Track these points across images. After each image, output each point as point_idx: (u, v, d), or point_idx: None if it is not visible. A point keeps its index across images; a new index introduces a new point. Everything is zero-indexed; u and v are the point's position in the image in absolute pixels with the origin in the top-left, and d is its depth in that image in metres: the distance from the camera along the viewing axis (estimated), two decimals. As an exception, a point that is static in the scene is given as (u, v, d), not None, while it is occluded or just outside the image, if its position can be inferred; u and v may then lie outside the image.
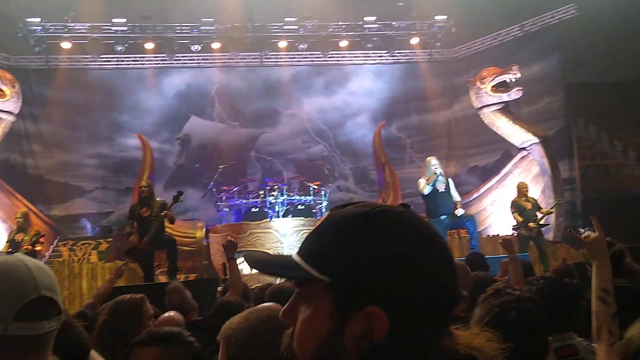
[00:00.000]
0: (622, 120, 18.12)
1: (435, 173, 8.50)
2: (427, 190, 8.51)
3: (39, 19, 13.57)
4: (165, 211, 7.88)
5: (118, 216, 13.58)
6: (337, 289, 0.80)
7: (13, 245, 8.97)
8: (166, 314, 3.02)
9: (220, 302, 3.34)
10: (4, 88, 12.97)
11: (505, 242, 4.90)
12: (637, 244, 7.23)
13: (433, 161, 8.76)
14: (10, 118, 13.26)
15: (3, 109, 13.02)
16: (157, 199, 8.30)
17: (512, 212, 9.64)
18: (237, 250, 4.16)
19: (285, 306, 0.88)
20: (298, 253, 0.86)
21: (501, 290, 1.91)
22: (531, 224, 9.28)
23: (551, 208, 9.87)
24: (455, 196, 8.71)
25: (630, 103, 18.51)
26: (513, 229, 9.81)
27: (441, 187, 8.53)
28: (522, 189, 9.81)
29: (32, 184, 13.81)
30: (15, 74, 13.46)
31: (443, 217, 8.49)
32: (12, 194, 12.90)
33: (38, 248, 9.15)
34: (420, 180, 8.70)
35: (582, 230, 10.60)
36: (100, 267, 10.24)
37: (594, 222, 2.38)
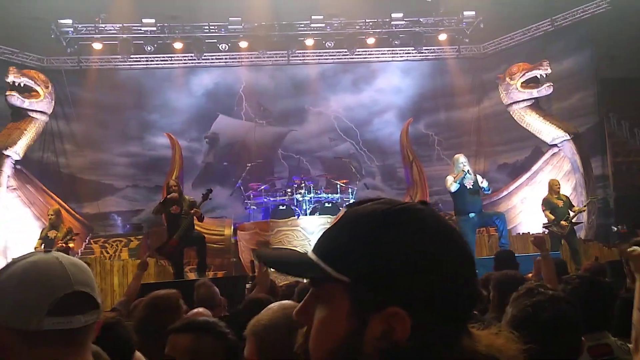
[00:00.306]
0: (656, 115, 17.67)
1: (464, 170, 8.39)
2: (454, 187, 8.40)
3: (70, 21, 13.83)
4: (194, 209, 7.97)
5: (148, 214, 13.75)
6: (357, 288, 0.78)
7: (46, 242, 9.17)
8: (194, 310, 3.06)
9: (249, 298, 3.36)
10: (38, 89, 13.29)
11: (537, 239, 4.83)
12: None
13: (461, 158, 8.62)
14: (44, 118, 13.58)
15: (37, 109, 13.35)
16: (187, 197, 8.41)
17: (544, 210, 9.48)
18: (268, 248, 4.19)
19: (300, 305, 0.86)
20: (314, 251, 0.84)
21: (534, 289, 1.88)
22: (563, 222, 9.11)
23: (584, 206, 9.71)
24: (484, 184, 8.57)
25: (665, 98, 18.03)
26: (544, 227, 9.65)
27: (469, 184, 8.41)
28: (553, 186, 9.63)
29: (64, 182, 14.11)
30: (48, 75, 13.78)
31: (472, 215, 8.39)
32: (45, 192, 13.21)
33: (71, 245, 9.35)
34: (448, 177, 8.58)
35: (614, 228, 10.36)
36: (130, 264, 10.40)
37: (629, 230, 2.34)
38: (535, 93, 12.25)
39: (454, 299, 0.79)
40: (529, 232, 11.61)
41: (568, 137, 12.44)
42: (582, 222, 9.63)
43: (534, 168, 13.13)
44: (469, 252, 0.83)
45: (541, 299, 1.86)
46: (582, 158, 12.24)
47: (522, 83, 12.36)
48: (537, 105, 12.59)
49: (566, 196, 9.76)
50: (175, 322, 2.53)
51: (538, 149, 13.76)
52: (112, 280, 10.09)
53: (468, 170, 8.41)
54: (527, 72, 12.22)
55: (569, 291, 2.32)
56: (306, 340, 0.84)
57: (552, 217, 9.25)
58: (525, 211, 12.79)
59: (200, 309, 3.04)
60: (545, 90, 12.18)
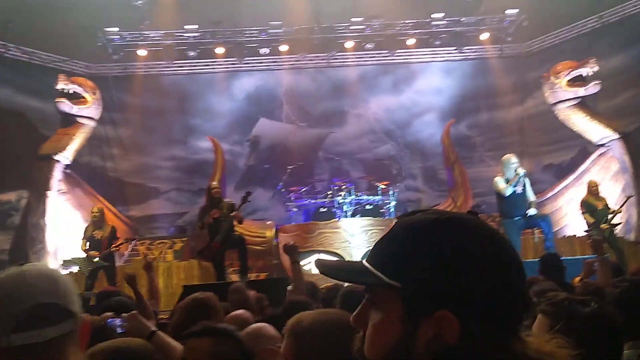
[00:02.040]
0: None
1: (518, 174, 8.09)
2: (508, 191, 8.13)
3: (116, 29, 14.22)
4: (234, 212, 8.08)
5: (192, 216, 14.01)
6: (408, 294, 0.84)
7: (92, 242, 9.31)
8: (234, 312, 3.09)
9: (289, 300, 3.39)
10: (86, 95, 13.73)
11: (595, 242, 4.77)
12: None
13: (513, 159, 8.32)
14: (92, 123, 14.01)
15: (85, 115, 13.79)
16: (226, 200, 8.53)
17: (583, 213, 9.17)
18: (304, 250, 4.21)
19: (356, 311, 0.91)
20: (367, 260, 0.90)
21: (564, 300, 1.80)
22: (603, 225, 8.83)
23: (620, 207, 9.34)
24: (531, 196, 8.32)
25: None
26: (585, 232, 9.36)
27: (519, 188, 8.17)
28: (592, 187, 9.31)
29: (112, 186, 14.50)
30: (95, 82, 14.21)
31: (517, 218, 8.18)
32: (93, 196, 13.63)
33: (119, 242, 9.53)
34: (496, 179, 8.31)
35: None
36: (175, 266, 10.65)
37: None
38: (581, 92, 11.93)
39: (502, 303, 0.83)
40: (575, 235, 11.31)
41: (616, 137, 12.06)
42: (621, 223, 9.27)
43: (581, 169, 12.79)
44: (516, 259, 0.88)
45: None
46: (631, 158, 11.84)
47: (567, 82, 12.06)
48: (583, 104, 12.26)
49: (604, 198, 9.44)
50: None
51: (585, 149, 13.38)
52: (157, 282, 10.31)
53: (522, 174, 8.14)
54: (572, 71, 11.92)
55: (617, 295, 2.26)
56: (363, 344, 0.89)
57: (592, 220, 8.98)
58: (572, 213, 12.44)
59: (240, 311, 3.08)
60: (592, 88, 11.85)
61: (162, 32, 14.34)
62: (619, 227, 9.38)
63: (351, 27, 14.67)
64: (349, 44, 14.82)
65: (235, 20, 14.49)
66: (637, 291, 2.44)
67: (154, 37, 14.45)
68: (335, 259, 9.50)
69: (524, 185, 8.25)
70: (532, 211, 8.24)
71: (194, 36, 14.49)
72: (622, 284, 2.49)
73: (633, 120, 12.90)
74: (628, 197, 9.98)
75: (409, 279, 0.83)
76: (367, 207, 12.10)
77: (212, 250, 8.07)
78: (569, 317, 1.68)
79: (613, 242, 8.82)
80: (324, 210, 12.08)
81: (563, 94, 12.04)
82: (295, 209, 12.73)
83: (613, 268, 4.76)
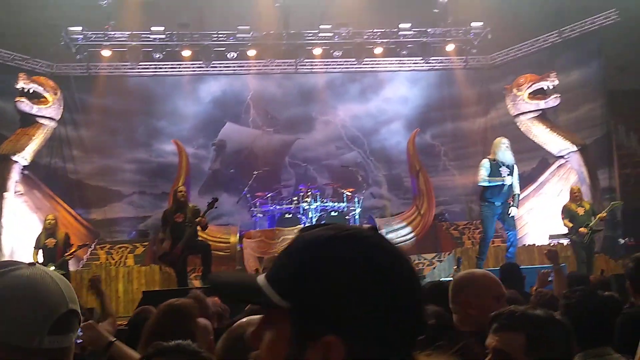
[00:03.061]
0: (665, 128, 17.59)
1: (503, 178, 8.01)
2: (482, 182, 8.13)
3: (80, 28, 13.94)
4: (200, 217, 7.98)
5: (154, 220, 13.80)
6: (296, 316, 0.79)
7: (45, 252, 9.08)
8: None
9: (251, 309, 3.36)
10: (47, 95, 13.40)
11: (551, 252, 4.82)
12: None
13: (504, 140, 8.29)
14: (52, 124, 13.69)
15: (45, 115, 13.46)
16: (190, 204, 8.42)
17: (563, 218, 9.20)
18: (269, 256, 4.16)
19: (254, 328, 0.87)
20: (266, 275, 0.85)
21: (515, 311, 1.82)
22: (582, 229, 8.85)
23: (604, 213, 9.27)
24: (516, 187, 8.27)
25: (674, 110, 17.96)
26: (565, 236, 9.44)
27: (504, 172, 8.08)
28: (574, 194, 9.35)
29: (71, 188, 14.19)
30: (57, 81, 13.90)
31: (497, 202, 8.15)
32: (52, 198, 13.30)
33: (72, 250, 9.30)
34: (484, 161, 8.25)
35: (621, 241, 10.21)
36: (136, 271, 10.46)
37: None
38: (542, 104, 12.23)
39: (393, 327, 0.79)
40: (534, 244, 11.55)
41: (575, 149, 12.40)
42: (601, 229, 9.30)
43: (541, 179, 13.10)
44: (413, 279, 0.83)
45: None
46: (589, 170, 12.19)
47: (529, 94, 12.35)
48: (544, 116, 12.58)
49: (589, 203, 9.50)
50: (190, 330, 2.51)
51: (545, 160, 13.71)
52: (117, 287, 10.13)
53: (507, 184, 8.03)
54: (534, 84, 12.21)
55: (567, 306, 2.31)
56: None
57: (570, 225, 9.01)
58: (532, 223, 12.74)
59: (200, 320, 3.03)
60: (553, 101, 12.17)
61: (128, 33, 14.12)
62: (600, 233, 9.39)
63: (319, 34, 14.72)
64: (317, 51, 14.87)
65: (203, 23, 14.40)
66: (587, 301, 2.50)
67: (119, 37, 14.23)
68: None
69: (511, 173, 8.15)
70: (513, 211, 8.22)
71: (160, 38, 14.32)
72: (573, 295, 2.55)
73: (590, 133, 13.31)
74: (614, 204, 9.93)
75: (298, 300, 0.79)
76: (333, 213, 12.15)
77: (174, 256, 7.96)
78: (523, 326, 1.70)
79: (589, 249, 8.91)
80: (289, 216, 12.07)
81: (525, 106, 12.32)
82: (260, 215, 12.68)
83: (576, 277, 4.86)
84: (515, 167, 8.33)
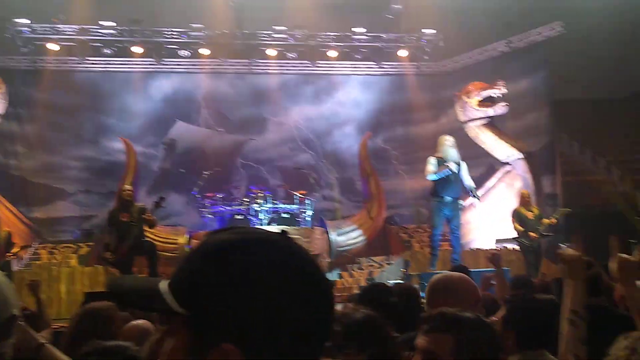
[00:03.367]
0: (606, 137, 18.33)
1: (448, 166, 8.22)
2: (430, 177, 8.32)
3: (27, 21, 13.48)
4: (147, 215, 7.80)
5: (100, 220, 13.43)
6: (194, 323, 0.76)
7: None
8: (133, 322, 2.96)
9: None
10: (-11, 88, 12.87)
11: (493, 256, 4.92)
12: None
13: (447, 137, 8.48)
14: (-5, 118, 13.16)
15: (-13, 109, 12.92)
16: (136, 204, 8.24)
17: (513, 222, 9.37)
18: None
19: (156, 336, 0.86)
20: (170, 280, 0.81)
21: (445, 313, 1.86)
22: (532, 234, 9.04)
23: (553, 217, 9.46)
24: (468, 181, 8.46)
25: (614, 120, 18.76)
26: (515, 239, 9.64)
27: (452, 167, 8.27)
28: (524, 198, 9.54)
29: (14, 185, 13.67)
30: (1, 75, 13.35)
31: (448, 198, 8.31)
32: (-7, 195, 12.77)
33: (15, 251, 8.99)
34: (430, 158, 8.44)
35: (562, 246, 10.55)
36: (79, 272, 10.17)
37: (575, 241, 2.34)
38: (490, 112, 12.55)
39: (296, 336, 0.77)
40: (480, 248, 11.82)
41: (521, 156, 12.77)
42: (551, 234, 9.49)
43: (488, 185, 13.42)
44: (323, 289, 0.81)
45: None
46: (533, 176, 12.57)
47: (478, 101, 12.66)
48: (492, 123, 12.92)
49: (538, 208, 9.70)
50: (110, 334, 2.46)
51: (492, 166, 14.06)
52: (59, 288, 9.82)
53: (453, 170, 8.24)
54: (483, 91, 12.52)
55: (508, 309, 2.37)
56: None
57: (521, 229, 9.17)
58: (478, 227, 13.03)
59: (140, 321, 2.96)
60: (500, 109, 12.50)
61: (77, 27, 13.75)
62: (549, 237, 9.51)
63: (274, 35, 14.69)
64: (271, 52, 14.82)
65: (156, 20, 14.15)
66: (524, 305, 2.58)
67: (67, 31, 13.83)
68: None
69: (459, 169, 8.35)
70: (469, 200, 8.44)
71: (111, 33, 13.99)
72: (513, 298, 2.62)
73: (536, 141, 13.73)
74: (564, 211, 10.07)
75: (197, 306, 0.76)
76: (284, 215, 12.12)
77: (119, 256, 7.76)
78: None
79: (538, 253, 9.13)
80: (240, 217, 11.97)
81: (474, 113, 12.61)
82: (210, 216, 12.52)
83: (519, 281, 4.97)
84: (462, 163, 8.54)
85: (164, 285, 0.80)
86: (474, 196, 8.56)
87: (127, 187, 8.44)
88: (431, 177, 8.31)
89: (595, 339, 2.10)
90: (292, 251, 0.81)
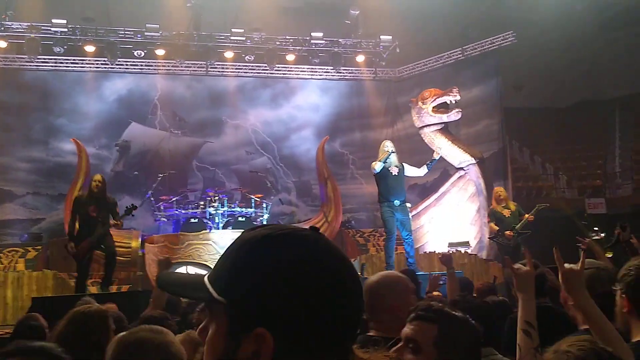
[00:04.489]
0: (554, 144, 18.98)
1: (388, 151, 8.41)
2: (378, 166, 8.41)
3: (-27, 16, 13.00)
4: (114, 221, 7.57)
5: (49, 223, 13.07)
6: (231, 310, 0.85)
7: None
8: (187, 332, 2.86)
9: (143, 317, 3.25)
10: None
11: (445, 257, 4.99)
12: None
13: (387, 142, 8.70)
14: (-63, 117, 12.62)
15: None
16: (109, 195, 7.84)
17: (489, 222, 9.29)
18: (174, 262, 4.05)
19: (202, 324, 0.92)
20: (209, 274, 0.90)
21: (432, 305, 1.93)
22: (508, 233, 8.94)
23: (530, 214, 9.18)
24: (420, 170, 8.77)
25: (561, 128, 19.44)
26: (489, 238, 9.59)
27: (394, 171, 8.42)
28: (498, 197, 9.39)
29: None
30: (-56, 71, 12.85)
31: (396, 202, 8.41)
32: None
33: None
34: (372, 163, 8.61)
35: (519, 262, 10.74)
36: (27, 276, 9.80)
37: (526, 256, 2.42)
38: (445, 118, 12.75)
39: (328, 325, 0.83)
40: (434, 251, 12.00)
41: (474, 162, 13.04)
42: (528, 232, 9.12)
43: (442, 189, 13.65)
44: (351, 280, 0.88)
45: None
46: (486, 182, 12.84)
47: (433, 107, 12.84)
48: (446, 129, 13.14)
49: (516, 205, 9.49)
50: (98, 344, 2.36)
51: (446, 171, 14.31)
52: (5, 293, 9.46)
53: (392, 151, 8.46)
54: (438, 98, 12.71)
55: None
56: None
57: (496, 228, 9.09)
58: (432, 231, 13.24)
59: (192, 332, 2.88)
60: (455, 115, 12.72)
61: (26, 24, 13.31)
62: (525, 234, 9.16)
63: (231, 38, 14.58)
64: (229, 54, 14.71)
65: (109, 18, 13.85)
66: (468, 306, 2.65)
67: (16, 28, 13.37)
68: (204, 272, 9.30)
69: (401, 171, 8.51)
70: (436, 156, 8.95)
71: (62, 32, 13.59)
72: (454, 301, 2.69)
73: (488, 147, 14.07)
74: (540, 206, 9.72)
75: (233, 295, 0.84)
76: (240, 219, 12.01)
77: (81, 250, 7.42)
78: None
79: (516, 252, 9.08)
80: (195, 221, 11.81)
81: (429, 119, 12.78)
82: (164, 219, 12.32)
83: (462, 282, 5.08)
84: (404, 165, 8.76)
85: (205, 278, 0.90)
86: (431, 163, 8.89)
87: (97, 177, 7.88)
88: (379, 166, 8.45)
89: (540, 338, 2.20)
90: (320, 246, 0.87)
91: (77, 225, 7.55)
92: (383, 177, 8.51)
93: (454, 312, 1.83)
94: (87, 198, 7.63)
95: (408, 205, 9.02)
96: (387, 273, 2.66)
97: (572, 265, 2.26)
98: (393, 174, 8.47)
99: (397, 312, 2.33)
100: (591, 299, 2.21)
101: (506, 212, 9.17)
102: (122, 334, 1.95)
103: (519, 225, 8.99)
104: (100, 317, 2.57)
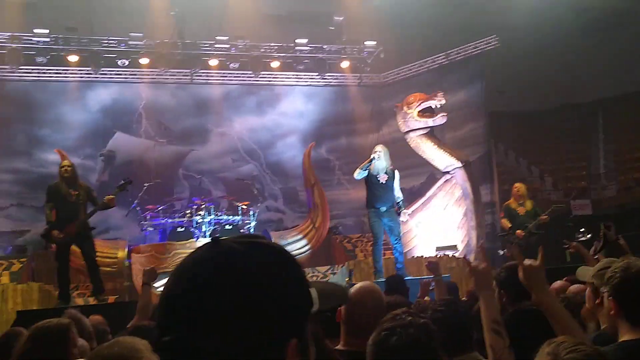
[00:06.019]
0: (539, 146, 19.16)
1: (372, 158, 8.22)
2: (357, 174, 8.29)
3: (-47, 26, 12.86)
4: (108, 196, 7.11)
5: (33, 235, 12.89)
6: None
7: None
8: None
9: (131, 328, 3.21)
10: None
11: (431, 264, 5.05)
12: (553, 265, 7.56)
13: (377, 147, 8.44)
14: None
15: None
16: (83, 182, 7.54)
17: (502, 217, 9.02)
18: (159, 272, 4.03)
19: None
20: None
21: (398, 315, 1.94)
22: (519, 232, 8.64)
23: (545, 215, 8.87)
24: (397, 193, 8.33)
25: (546, 131, 19.64)
26: (499, 235, 9.38)
27: (382, 179, 8.25)
28: (516, 193, 9.00)
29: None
30: None
31: (383, 208, 8.30)
32: None
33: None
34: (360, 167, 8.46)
35: (500, 252, 10.80)
36: (11, 289, 9.66)
37: (481, 253, 2.40)
38: (430, 122, 12.80)
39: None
40: (422, 256, 12.03)
41: (460, 165, 13.11)
42: (540, 232, 8.77)
43: (428, 194, 13.69)
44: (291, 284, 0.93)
45: (395, 325, 1.89)
46: (472, 185, 12.91)
47: (418, 112, 12.89)
48: (432, 134, 13.19)
49: (533, 203, 9.15)
50: (64, 356, 2.33)
51: (432, 175, 14.37)
52: (-12, 307, 9.32)
53: (375, 158, 8.22)
54: (423, 102, 12.76)
55: (430, 316, 2.41)
56: None
57: (509, 225, 8.83)
58: (420, 235, 13.26)
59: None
60: (440, 120, 12.78)
61: (8, 34, 13.19)
62: (538, 234, 8.83)
63: (216, 46, 14.57)
64: (213, 62, 14.69)
65: (92, 28, 13.76)
66: (450, 311, 2.65)
67: (-3, 38, 13.26)
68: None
69: (391, 178, 8.31)
70: (403, 217, 8.47)
71: (44, 41, 13.49)
72: (438, 306, 2.69)
73: (474, 150, 14.16)
74: (555, 206, 9.55)
75: None
76: (227, 227, 11.97)
77: (66, 235, 7.02)
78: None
79: (528, 251, 8.93)
80: (182, 229, 11.75)
81: (414, 124, 12.82)
82: (150, 228, 12.23)
83: (448, 287, 5.13)
84: (395, 172, 8.53)
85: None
86: (400, 207, 8.32)
87: (66, 162, 7.62)
88: (357, 174, 8.29)
89: (518, 339, 2.18)
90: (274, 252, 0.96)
91: (54, 213, 7.11)
92: (369, 183, 8.45)
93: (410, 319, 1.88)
94: (61, 184, 7.26)
95: (407, 212, 8.87)
96: (360, 285, 2.66)
97: (531, 260, 2.22)
98: (381, 181, 8.32)
99: (364, 326, 2.34)
100: (553, 294, 2.19)
101: (521, 210, 8.83)
102: (98, 347, 1.92)
103: (532, 225, 8.67)
104: (59, 331, 2.52)
